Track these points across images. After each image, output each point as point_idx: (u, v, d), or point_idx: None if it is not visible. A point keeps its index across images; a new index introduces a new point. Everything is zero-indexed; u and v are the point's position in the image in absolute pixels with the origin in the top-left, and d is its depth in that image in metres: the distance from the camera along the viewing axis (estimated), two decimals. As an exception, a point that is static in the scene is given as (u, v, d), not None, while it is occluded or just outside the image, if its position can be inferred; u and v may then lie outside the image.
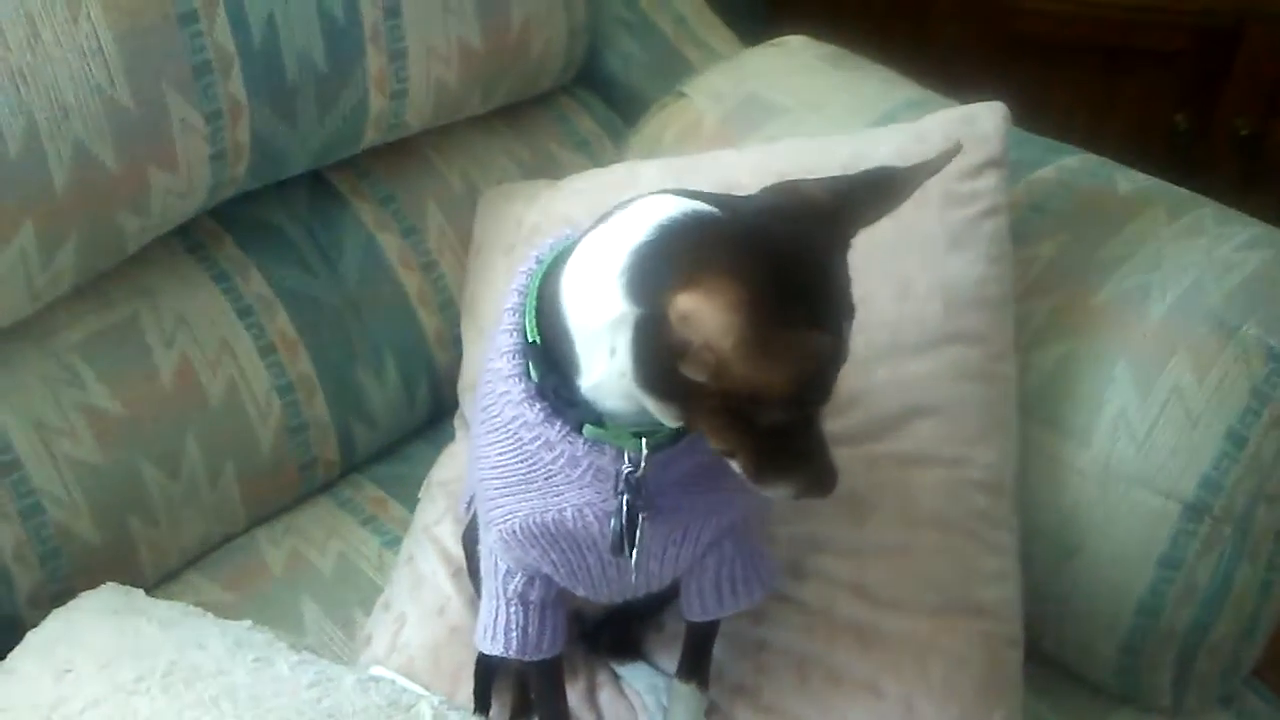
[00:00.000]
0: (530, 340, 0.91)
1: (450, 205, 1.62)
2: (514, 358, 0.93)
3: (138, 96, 1.27)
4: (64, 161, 1.24)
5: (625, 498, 0.91)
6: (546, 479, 0.95)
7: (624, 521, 0.92)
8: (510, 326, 0.94)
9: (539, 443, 0.93)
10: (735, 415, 0.83)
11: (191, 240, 1.48)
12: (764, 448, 0.86)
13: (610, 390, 0.87)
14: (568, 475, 0.94)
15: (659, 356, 0.80)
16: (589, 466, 0.93)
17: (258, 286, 1.49)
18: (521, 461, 0.95)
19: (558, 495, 0.95)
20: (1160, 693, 1.29)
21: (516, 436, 0.95)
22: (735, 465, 0.87)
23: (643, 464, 0.90)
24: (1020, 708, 1.18)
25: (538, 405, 0.91)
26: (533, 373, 0.92)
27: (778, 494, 0.89)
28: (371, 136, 1.53)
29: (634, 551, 0.93)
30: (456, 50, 1.53)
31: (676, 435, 0.91)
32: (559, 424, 0.91)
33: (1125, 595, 1.25)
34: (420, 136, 1.62)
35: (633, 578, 1.01)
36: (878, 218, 0.91)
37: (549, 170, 1.67)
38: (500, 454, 0.97)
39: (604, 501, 0.94)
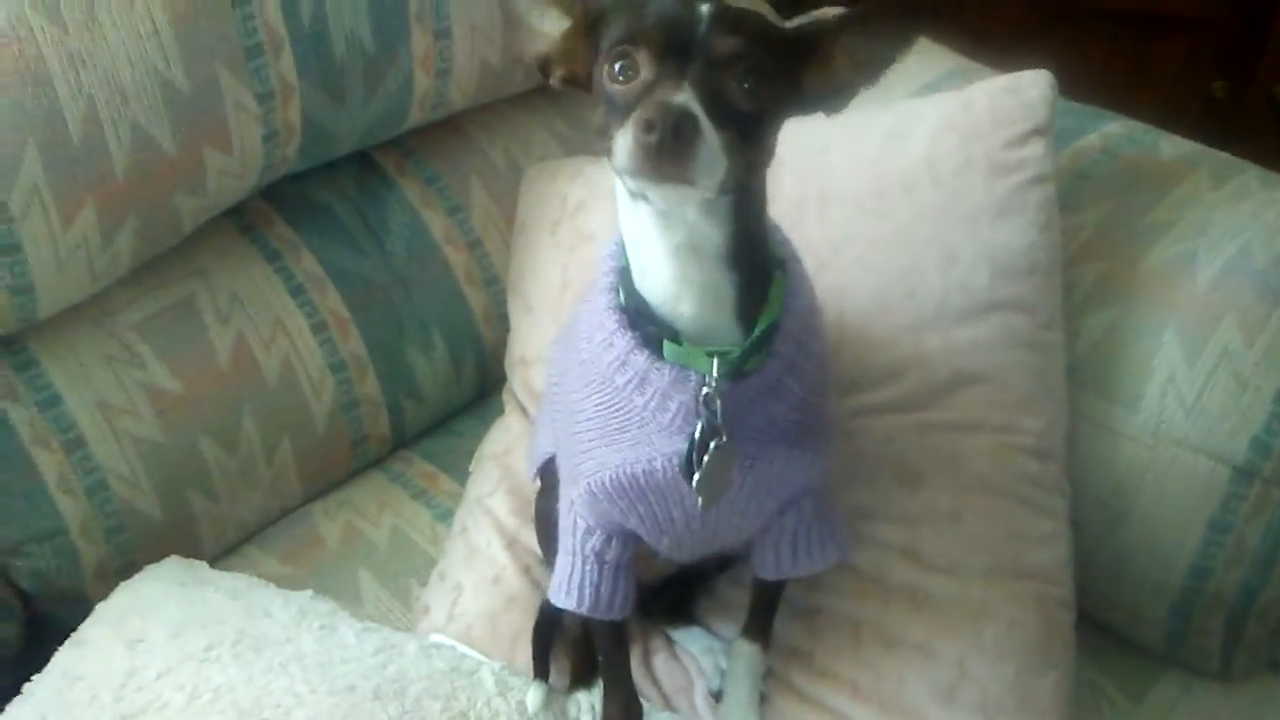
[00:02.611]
0: (623, 265, 0.98)
1: (494, 183, 1.64)
2: (609, 293, 1.00)
3: (192, 78, 1.29)
4: (123, 144, 1.26)
5: (703, 420, 0.95)
6: (640, 426, 0.99)
7: (698, 440, 0.96)
8: (607, 269, 1.01)
9: (632, 384, 0.98)
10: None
11: (244, 221, 1.51)
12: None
13: (629, 229, 0.95)
14: (659, 420, 0.98)
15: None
16: (678, 408, 0.97)
17: (309, 265, 1.51)
18: (616, 410, 1.00)
19: (649, 445, 0.99)
20: (1209, 656, 1.30)
21: (610, 381, 0.99)
22: None
23: (714, 377, 0.95)
24: (1073, 668, 1.19)
25: (628, 334, 0.97)
26: (623, 297, 0.98)
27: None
28: (416, 115, 1.55)
29: (699, 478, 0.97)
30: (500, 28, 1.54)
31: (744, 357, 0.96)
32: (647, 353, 0.97)
33: (1175, 559, 1.26)
34: (463, 115, 1.64)
35: (710, 517, 1.03)
36: None
37: (590, 145, 1.67)
38: (597, 404, 1.01)
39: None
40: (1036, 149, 1.29)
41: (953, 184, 1.28)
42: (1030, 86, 1.32)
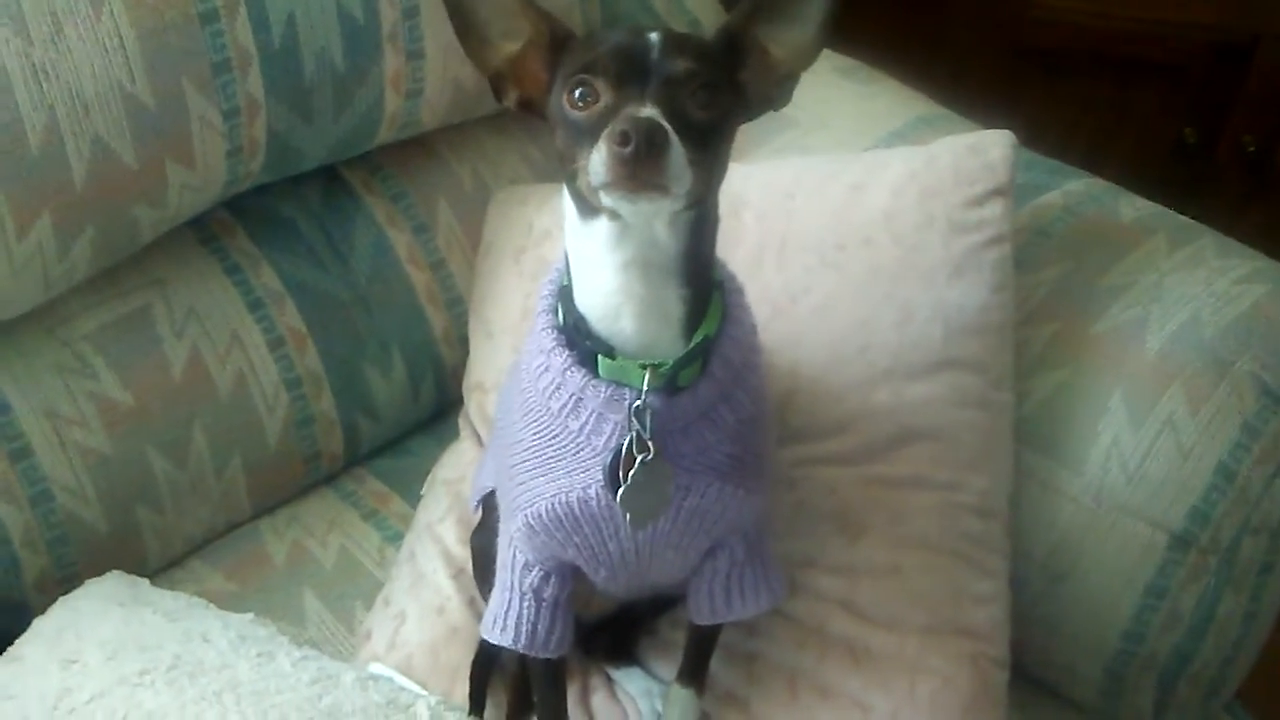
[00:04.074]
0: (564, 284, 1.01)
1: (461, 204, 1.64)
2: (548, 314, 1.03)
3: (157, 93, 1.28)
4: (83, 156, 1.25)
5: (632, 433, 0.97)
6: (574, 454, 1.01)
7: (624, 453, 0.98)
8: (548, 291, 1.04)
9: (567, 409, 1.00)
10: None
11: (205, 232, 1.50)
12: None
13: (576, 247, 0.98)
14: (593, 445, 1.00)
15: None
16: (612, 429, 0.98)
17: (269, 280, 1.51)
18: (552, 438, 1.02)
19: (585, 472, 1.00)
20: (1141, 715, 1.32)
21: (546, 408, 1.01)
22: None
23: (645, 387, 0.97)
24: (1003, 728, 1.21)
25: (565, 353, 1.00)
26: (561, 316, 1.01)
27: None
28: (386, 134, 1.55)
29: (624, 493, 0.99)
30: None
31: (676, 368, 0.98)
32: (583, 371, 0.99)
33: (1111, 620, 1.28)
34: (434, 134, 1.63)
35: (644, 548, 1.05)
36: None
37: (560, 172, 1.67)
38: (535, 433, 1.03)
39: None
40: (996, 209, 1.30)
41: (912, 240, 1.29)
42: (993, 146, 1.33)
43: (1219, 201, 2.37)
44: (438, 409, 1.65)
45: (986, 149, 1.32)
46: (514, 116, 1.70)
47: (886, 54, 1.73)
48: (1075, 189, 1.46)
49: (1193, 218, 1.46)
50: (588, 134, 0.90)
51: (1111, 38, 2.36)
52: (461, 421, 1.54)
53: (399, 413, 1.61)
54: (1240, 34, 2.31)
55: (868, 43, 1.72)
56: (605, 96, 0.91)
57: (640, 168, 0.86)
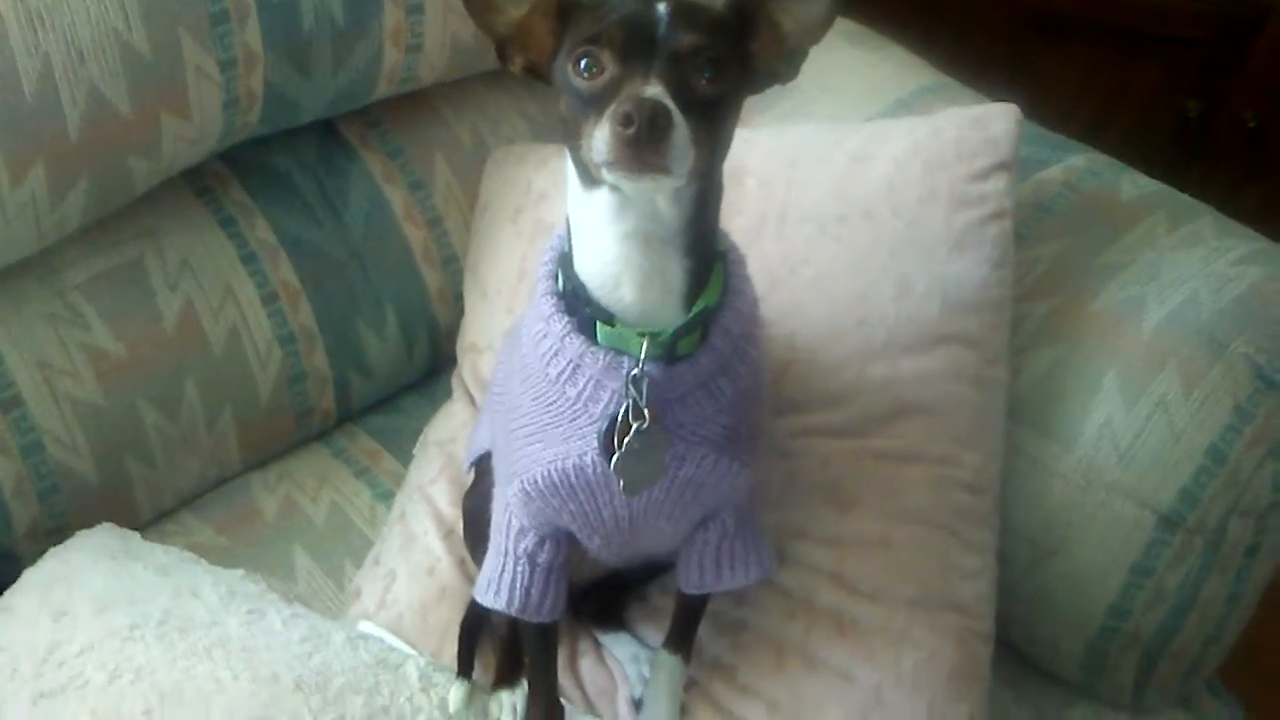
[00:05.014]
0: (565, 250, 1.01)
1: (459, 161, 1.62)
2: (548, 279, 1.02)
3: (154, 42, 1.27)
4: (78, 105, 1.24)
5: (629, 400, 0.97)
6: (572, 421, 1.01)
7: (620, 420, 0.98)
8: (549, 257, 1.03)
9: (565, 375, 0.99)
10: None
11: (199, 184, 1.48)
12: None
13: (578, 215, 0.96)
14: (590, 413, 0.99)
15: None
16: (610, 397, 0.98)
17: (263, 233, 1.49)
18: (550, 405, 1.02)
19: (581, 439, 1.00)
20: (1121, 691, 1.34)
21: (544, 374, 1.01)
22: None
23: (643, 356, 0.96)
24: (986, 702, 1.22)
25: (564, 319, 0.99)
26: (561, 282, 1.00)
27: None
28: (384, 89, 1.53)
29: (618, 459, 0.98)
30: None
31: (675, 337, 0.98)
32: (581, 338, 0.98)
33: (1096, 598, 1.28)
34: (432, 90, 1.61)
35: (638, 516, 1.05)
36: None
37: (559, 130, 1.66)
38: (533, 399, 1.03)
39: None
40: (998, 184, 1.29)
41: (913, 213, 1.29)
42: (997, 120, 1.32)
43: (1219, 175, 2.37)
44: (431, 368, 1.65)
45: (990, 122, 1.31)
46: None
47: (889, 21, 1.71)
48: (1077, 164, 1.45)
49: (1192, 190, 1.46)
50: (592, 106, 0.89)
51: (1116, 8, 2.34)
52: (454, 381, 1.54)
53: (392, 370, 1.61)
54: (1247, 7, 2.29)
55: (872, 8, 1.70)
56: (611, 69, 0.90)
57: (643, 149, 0.85)
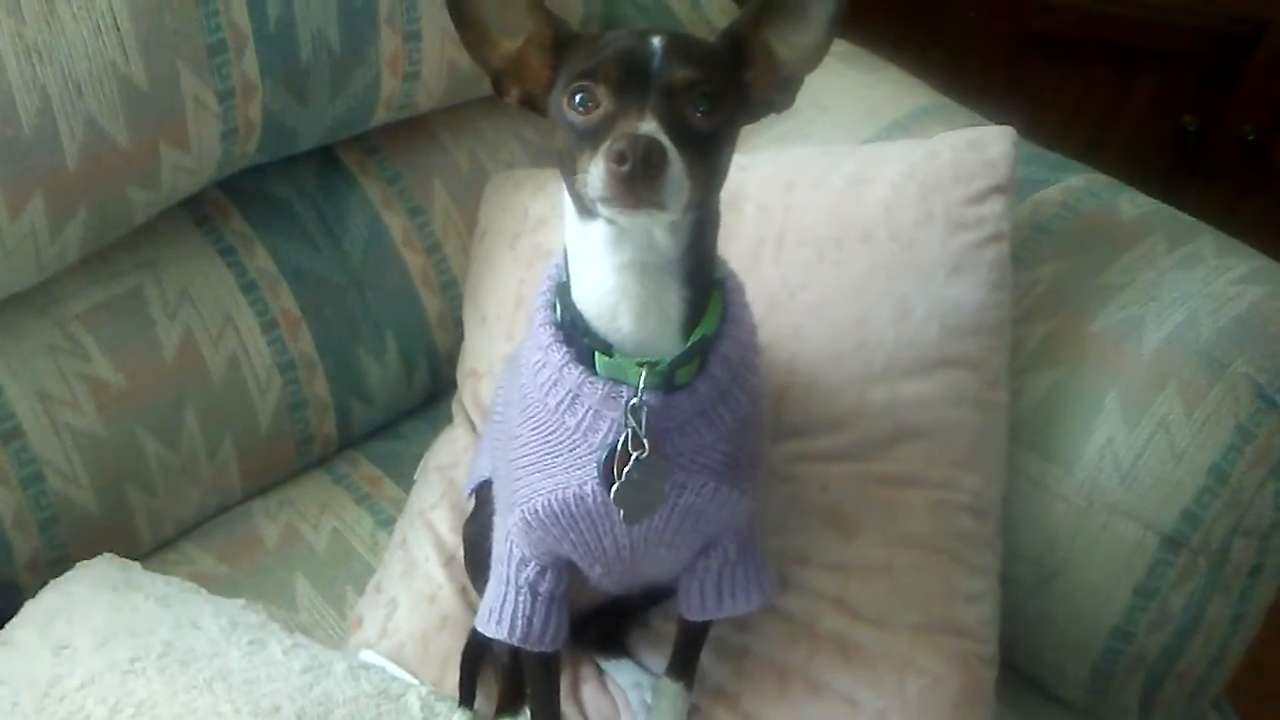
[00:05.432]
0: (562, 279, 1.01)
1: (457, 186, 1.63)
2: (546, 309, 1.02)
3: (152, 74, 1.27)
4: (76, 137, 1.24)
5: (629, 430, 0.97)
6: (571, 450, 1.01)
7: (619, 450, 0.98)
8: (547, 286, 1.03)
9: (564, 405, 0.99)
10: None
11: (199, 213, 1.49)
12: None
13: (575, 245, 0.96)
14: (590, 442, 0.99)
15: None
16: (609, 426, 0.98)
17: (263, 262, 1.50)
18: (549, 435, 1.01)
19: (581, 469, 1.00)
20: (1127, 713, 1.33)
21: (544, 404, 1.01)
22: None
23: (641, 385, 0.96)
24: (991, 726, 1.21)
25: (563, 349, 0.99)
26: (559, 312, 1.00)
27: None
28: (381, 115, 1.53)
29: (618, 489, 0.98)
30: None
31: (673, 366, 0.97)
32: (580, 368, 0.98)
33: (1100, 620, 1.28)
34: (430, 116, 1.62)
35: (639, 545, 1.05)
36: None
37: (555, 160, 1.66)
38: (532, 429, 1.03)
39: None
40: (995, 207, 1.29)
41: (910, 237, 1.29)
42: (994, 143, 1.32)
43: (1219, 188, 2.37)
44: (431, 393, 1.65)
45: (987, 145, 1.32)
46: (512, 100, 1.70)
47: (886, 40, 1.72)
48: (1075, 184, 1.45)
49: (1192, 204, 1.46)
50: (587, 140, 0.89)
51: (1112, 24, 2.34)
52: (455, 407, 1.54)
53: (392, 396, 1.61)
54: (1245, 21, 2.29)
55: (868, 28, 1.71)
56: (605, 104, 0.90)
57: (638, 185, 0.85)
